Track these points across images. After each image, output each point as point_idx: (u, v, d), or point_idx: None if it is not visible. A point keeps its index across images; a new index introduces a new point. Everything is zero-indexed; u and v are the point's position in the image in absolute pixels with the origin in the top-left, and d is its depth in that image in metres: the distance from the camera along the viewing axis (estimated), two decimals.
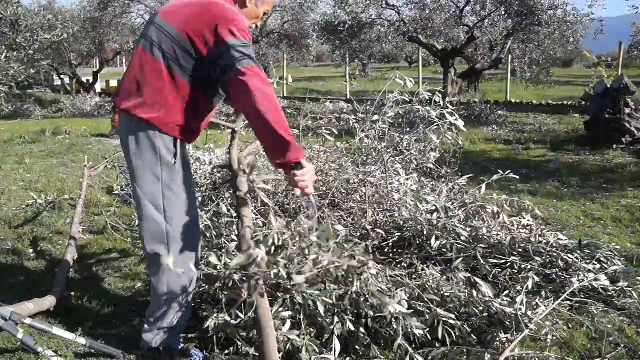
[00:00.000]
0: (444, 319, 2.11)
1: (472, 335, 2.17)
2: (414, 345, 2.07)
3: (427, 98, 2.86)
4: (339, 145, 3.41)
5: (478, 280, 2.31)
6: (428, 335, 2.12)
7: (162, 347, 2.15)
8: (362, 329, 2.13)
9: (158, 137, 1.99)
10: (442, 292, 2.28)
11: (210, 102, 2.08)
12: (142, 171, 2.02)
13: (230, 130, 2.53)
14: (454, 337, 2.13)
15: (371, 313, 2.13)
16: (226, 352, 2.14)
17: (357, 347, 2.13)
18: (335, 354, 2.00)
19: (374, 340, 2.17)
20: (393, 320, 2.01)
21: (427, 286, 2.30)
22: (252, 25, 2.19)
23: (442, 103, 2.85)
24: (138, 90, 1.98)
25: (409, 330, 2.02)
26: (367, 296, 2.05)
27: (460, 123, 2.82)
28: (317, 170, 3.23)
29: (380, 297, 1.92)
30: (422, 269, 2.44)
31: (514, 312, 2.17)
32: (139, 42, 2.02)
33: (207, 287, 2.39)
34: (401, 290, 2.19)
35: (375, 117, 2.95)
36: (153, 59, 1.95)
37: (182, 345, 2.20)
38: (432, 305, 2.14)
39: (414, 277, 2.42)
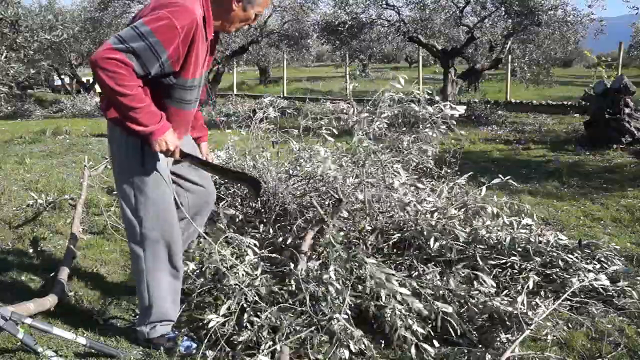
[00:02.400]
0: (443, 309, 2.11)
1: (472, 331, 2.17)
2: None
3: (427, 98, 2.86)
4: (339, 145, 3.41)
5: (479, 274, 2.32)
6: (428, 336, 2.12)
7: (155, 336, 2.21)
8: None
9: (125, 138, 2.00)
10: (443, 292, 2.28)
11: (172, 100, 2.03)
12: (118, 174, 2.08)
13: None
14: (453, 334, 2.13)
15: (372, 304, 2.13)
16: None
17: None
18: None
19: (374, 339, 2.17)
20: (391, 314, 2.01)
21: (428, 285, 2.30)
22: (244, 26, 2.20)
23: (442, 104, 2.85)
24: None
25: (408, 329, 2.02)
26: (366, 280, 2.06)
27: (457, 112, 2.80)
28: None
29: (379, 277, 1.95)
30: (423, 270, 2.44)
31: (514, 311, 2.17)
32: None
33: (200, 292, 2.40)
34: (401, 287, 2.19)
35: (374, 117, 2.94)
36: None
37: (175, 333, 2.26)
38: (429, 299, 2.15)
39: (414, 277, 2.42)
